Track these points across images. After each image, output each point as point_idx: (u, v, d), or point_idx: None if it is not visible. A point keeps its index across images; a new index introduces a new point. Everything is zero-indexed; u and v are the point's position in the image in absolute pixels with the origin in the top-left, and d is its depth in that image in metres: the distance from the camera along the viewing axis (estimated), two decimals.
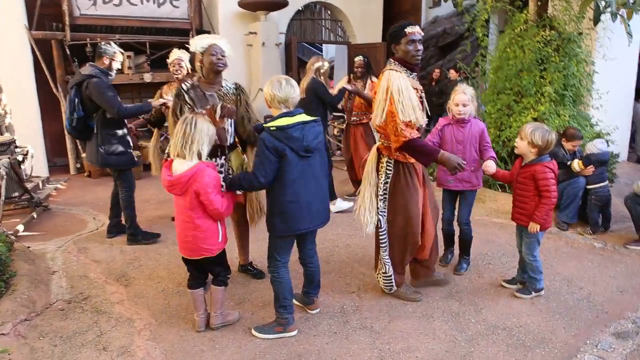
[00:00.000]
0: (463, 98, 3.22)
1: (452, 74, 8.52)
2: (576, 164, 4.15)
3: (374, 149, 3.01)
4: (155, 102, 4.12)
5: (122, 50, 4.17)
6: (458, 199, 3.44)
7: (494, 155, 3.23)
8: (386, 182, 2.89)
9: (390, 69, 2.76)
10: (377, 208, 2.92)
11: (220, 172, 3.09)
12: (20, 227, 4.44)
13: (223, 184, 3.08)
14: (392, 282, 3.00)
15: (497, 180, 2.98)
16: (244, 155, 3.22)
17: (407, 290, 3.07)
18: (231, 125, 3.09)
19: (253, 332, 2.68)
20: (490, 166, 3.09)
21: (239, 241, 3.43)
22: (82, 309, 3.01)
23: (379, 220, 2.93)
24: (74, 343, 2.63)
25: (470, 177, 3.29)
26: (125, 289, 3.29)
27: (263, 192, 2.75)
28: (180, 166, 2.48)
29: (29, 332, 2.70)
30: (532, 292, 3.06)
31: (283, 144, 2.42)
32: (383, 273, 3.01)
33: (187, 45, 3.33)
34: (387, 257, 2.97)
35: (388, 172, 2.88)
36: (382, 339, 2.63)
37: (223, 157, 3.10)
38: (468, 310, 2.91)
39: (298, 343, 2.60)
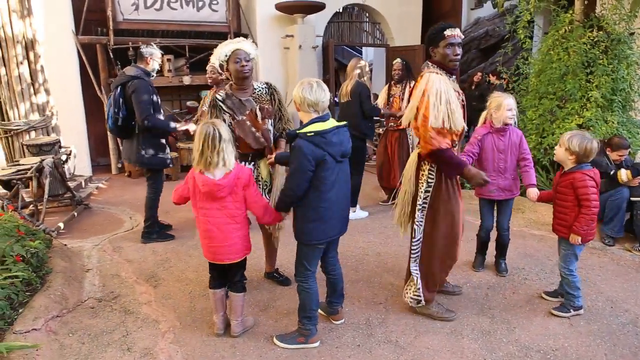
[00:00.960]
0: (511, 102, 3.15)
1: (492, 78, 8.24)
2: (624, 174, 3.88)
3: (414, 155, 2.84)
4: (180, 126, 4.28)
5: (162, 52, 4.29)
6: (496, 208, 3.39)
7: (534, 182, 3.18)
8: (427, 191, 2.71)
9: (430, 72, 2.64)
10: (415, 217, 2.76)
11: None
12: (61, 225, 4.61)
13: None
14: (420, 296, 2.83)
15: (542, 202, 2.88)
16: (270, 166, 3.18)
17: (439, 309, 2.88)
18: (272, 125, 3.09)
19: (275, 340, 2.65)
20: (533, 195, 3.07)
21: (267, 249, 3.41)
22: (112, 308, 3.08)
23: (414, 230, 2.79)
24: (100, 342, 2.68)
25: (511, 186, 3.29)
26: (154, 290, 3.34)
27: None
28: (218, 173, 2.46)
29: (59, 328, 2.77)
30: (571, 310, 2.87)
31: (322, 150, 2.37)
32: (415, 289, 2.83)
33: None
34: (416, 268, 2.82)
35: (430, 180, 2.70)
36: (407, 355, 2.53)
37: (252, 164, 3.10)
38: (500, 329, 2.76)
39: (320, 355, 2.55)
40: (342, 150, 2.47)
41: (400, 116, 4.85)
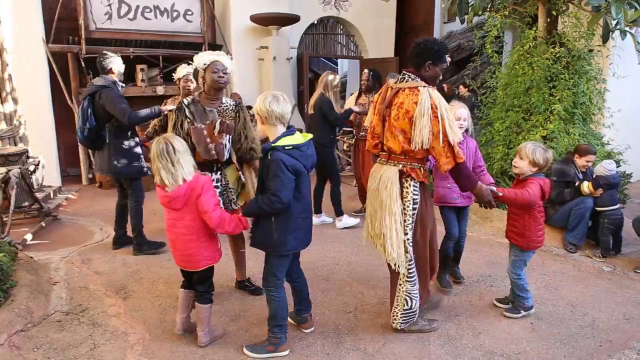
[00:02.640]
0: (463, 112, 3.20)
1: (462, 89, 8.46)
2: (586, 187, 4.04)
3: (391, 174, 2.64)
4: (165, 107, 4.18)
5: (119, 55, 4.25)
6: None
7: (492, 181, 3.26)
8: (414, 209, 2.64)
9: (426, 87, 2.54)
10: (407, 238, 2.64)
11: (217, 187, 3.11)
12: (29, 237, 4.51)
13: (220, 199, 3.11)
14: (414, 317, 2.78)
15: (504, 202, 2.93)
16: (239, 172, 3.24)
17: (425, 321, 2.87)
18: (229, 141, 3.11)
19: (245, 351, 2.65)
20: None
21: (236, 257, 3.43)
22: (79, 321, 3.03)
23: (408, 252, 2.65)
24: (67, 356, 2.63)
25: (469, 193, 3.27)
26: (124, 302, 3.30)
27: None
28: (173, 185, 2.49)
29: (23, 343, 2.71)
30: (522, 311, 3.01)
31: (299, 162, 2.44)
32: (404, 310, 2.73)
33: (190, 62, 3.39)
34: (416, 290, 2.71)
35: (415, 198, 2.63)
36: None
37: (219, 172, 3.13)
38: (465, 335, 2.84)
39: None
40: (313, 162, 2.56)
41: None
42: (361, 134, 5.16)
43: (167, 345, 2.74)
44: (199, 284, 2.70)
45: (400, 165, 2.64)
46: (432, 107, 2.47)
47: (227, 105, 3.12)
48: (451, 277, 3.54)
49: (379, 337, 2.81)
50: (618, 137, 5.21)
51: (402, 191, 2.64)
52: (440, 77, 2.72)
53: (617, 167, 4.45)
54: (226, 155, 3.11)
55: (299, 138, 2.50)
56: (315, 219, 4.90)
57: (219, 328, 2.86)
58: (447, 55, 2.66)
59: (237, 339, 2.80)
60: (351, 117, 5.13)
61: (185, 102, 3.04)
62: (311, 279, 2.90)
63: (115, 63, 4.12)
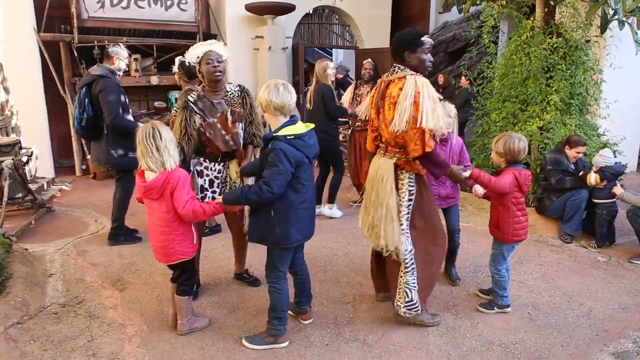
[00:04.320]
0: (448, 121, 3.08)
1: (463, 81, 8.35)
2: (593, 178, 4.02)
3: (387, 166, 2.69)
4: None
5: (129, 52, 4.22)
6: (443, 214, 3.38)
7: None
8: (410, 200, 2.67)
9: (413, 75, 2.57)
10: (402, 229, 2.67)
11: (217, 178, 3.09)
12: (32, 222, 4.47)
13: (217, 189, 3.08)
14: (417, 307, 2.75)
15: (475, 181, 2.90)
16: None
17: (428, 316, 2.84)
18: (242, 129, 3.09)
19: (244, 342, 2.65)
20: (479, 191, 3.06)
21: (237, 251, 3.41)
22: (76, 313, 3.01)
23: (403, 242, 2.67)
24: (64, 348, 2.62)
25: (453, 194, 3.31)
26: (120, 294, 3.29)
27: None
28: (152, 174, 2.49)
29: (20, 335, 2.69)
30: (495, 308, 2.97)
31: (301, 153, 2.40)
32: (406, 301, 2.73)
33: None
34: (414, 281, 2.71)
35: (411, 189, 2.67)
36: (374, 352, 2.58)
37: (222, 164, 3.09)
38: (464, 325, 2.85)
39: (288, 354, 2.57)
40: (315, 152, 2.53)
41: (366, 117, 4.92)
42: (357, 124, 5.14)
43: (166, 336, 2.73)
44: (176, 276, 2.70)
45: (396, 158, 2.67)
46: (415, 93, 2.49)
47: (232, 93, 3.07)
48: (447, 279, 3.45)
49: (378, 328, 2.82)
50: (614, 128, 5.22)
51: (397, 183, 2.68)
52: (430, 61, 2.68)
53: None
54: (242, 143, 3.10)
55: (300, 127, 2.46)
56: (327, 210, 4.92)
57: (203, 319, 2.85)
58: (424, 37, 2.65)
59: (236, 330, 2.80)
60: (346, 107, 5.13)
61: (191, 99, 2.96)
62: (309, 270, 2.88)
63: (121, 55, 4.07)
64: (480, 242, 4.13)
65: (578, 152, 4.14)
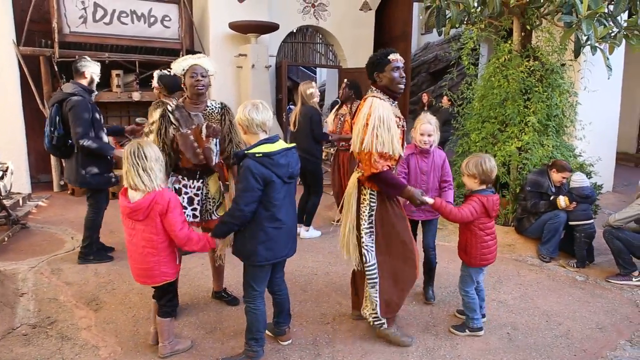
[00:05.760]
0: (428, 128, 3.17)
1: (445, 101, 8.56)
2: (562, 201, 4.12)
3: (353, 180, 2.84)
4: (117, 152, 4.02)
5: (99, 65, 4.16)
6: (419, 228, 3.40)
7: (451, 200, 3.22)
8: (371, 215, 2.74)
9: (374, 96, 2.69)
10: (363, 242, 2.75)
11: (197, 195, 3.05)
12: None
13: (197, 206, 3.04)
14: (382, 321, 2.79)
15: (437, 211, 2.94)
16: (220, 182, 3.19)
17: (397, 332, 2.86)
18: (217, 145, 3.06)
19: None
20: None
21: (214, 268, 3.36)
22: (47, 335, 2.91)
23: (364, 254, 2.75)
24: None
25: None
26: (95, 314, 3.20)
27: None
28: (137, 194, 2.43)
29: None
30: (466, 330, 2.94)
31: (270, 171, 2.38)
32: (372, 311, 2.79)
33: (167, 69, 3.32)
34: (376, 294, 2.75)
35: (372, 204, 2.74)
36: None
37: (200, 181, 3.07)
38: (444, 346, 2.84)
39: None
40: (290, 172, 2.49)
41: (349, 138, 4.96)
42: (341, 144, 5.17)
43: (140, 358, 2.66)
44: (158, 298, 2.64)
45: (360, 174, 2.76)
46: (367, 115, 2.59)
47: (212, 108, 3.07)
48: (423, 297, 3.44)
49: (357, 349, 2.79)
50: (589, 149, 5.35)
51: (359, 197, 2.78)
52: (401, 77, 2.71)
53: (589, 178, 4.56)
54: (215, 160, 3.05)
55: (276, 146, 2.46)
56: (305, 233, 4.87)
57: (185, 341, 2.78)
58: (390, 55, 2.71)
59: (213, 352, 2.74)
60: (331, 128, 5.17)
61: (169, 108, 2.96)
62: (289, 290, 2.84)
63: (90, 68, 4.02)
64: (460, 262, 4.14)
65: (564, 177, 4.22)
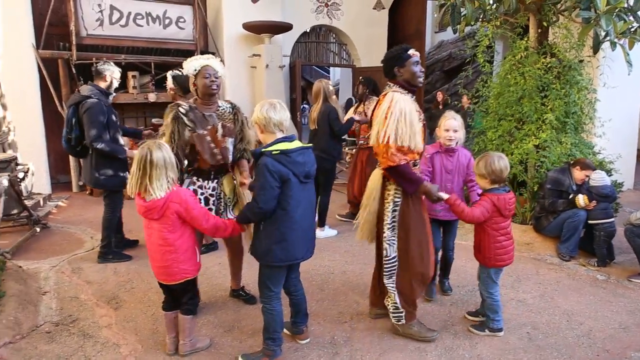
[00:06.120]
0: (453, 124, 3.16)
1: (465, 100, 8.33)
2: (581, 200, 4.06)
3: (377, 175, 2.84)
4: (130, 153, 4.10)
5: (120, 70, 4.23)
6: (442, 228, 3.39)
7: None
8: (395, 210, 2.74)
9: (394, 91, 2.70)
10: (385, 236, 2.78)
11: (212, 195, 3.08)
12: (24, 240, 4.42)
13: (213, 207, 3.07)
14: (401, 314, 2.82)
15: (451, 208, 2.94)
16: (235, 181, 3.21)
17: (421, 329, 2.86)
18: (231, 144, 3.09)
19: (240, 359, 2.61)
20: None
21: (233, 267, 3.38)
22: (69, 332, 2.96)
23: (386, 248, 2.79)
24: None
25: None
26: (115, 312, 3.24)
27: None
28: (148, 196, 2.44)
29: (12, 355, 2.64)
30: (486, 330, 2.91)
31: (287, 169, 2.37)
32: (393, 303, 2.82)
33: (180, 69, 3.33)
34: (392, 285, 2.80)
35: (397, 199, 2.74)
36: None
37: (215, 181, 3.09)
38: (463, 345, 2.82)
39: None
40: (307, 171, 2.48)
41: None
42: (360, 142, 5.17)
43: (160, 356, 2.69)
44: (179, 295, 2.65)
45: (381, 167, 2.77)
46: (386, 109, 2.61)
47: (224, 109, 3.10)
48: (439, 289, 3.50)
49: (376, 347, 2.78)
50: (609, 146, 5.25)
51: (384, 192, 2.78)
52: (421, 71, 2.74)
53: (609, 176, 4.48)
54: (231, 158, 3.09)
55: (293, 145, 2.46)
56: (320, 233, 4.85)
57: (204, 339, 2.80)
58: (410, 51, 2.73)
59: (231, 350, 2.76)
60: (353, 127, 5.15)
61: (182, 110, 2.97)
62: (305, 289, 2.85)
63: (111, 71, 4.08)
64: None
65: (587, 175, 4.15)
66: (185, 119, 2.96)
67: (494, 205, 2.76)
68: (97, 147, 3.92)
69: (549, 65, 4.79)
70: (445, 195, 2.74)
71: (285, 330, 2.83)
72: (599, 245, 4.06)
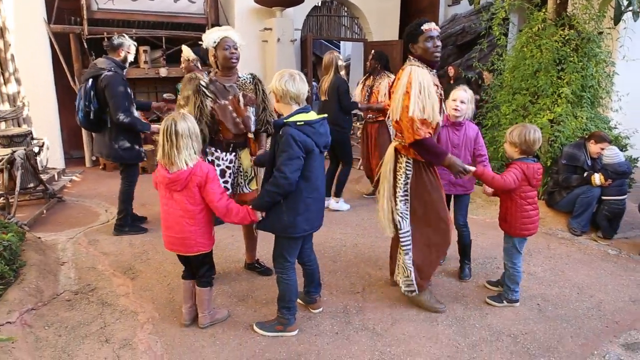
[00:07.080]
0: (462, 95, 3.11)
1: (486, 76, 8.07)
2: (597, 179, 4.01)
3: (391, 149, 2.87)
4: (155, 127, 4.10)
5: (135, 44, 4.21)
6: (451, 203, 3.36)
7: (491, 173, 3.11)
8: (406, 183, 2.77)
9: (412, 65, 2.69)
10: (397, 209, 2.80)
11: (228, 168, 3.10)
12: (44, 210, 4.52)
13: (229, 179, 3.10)
14: (414, 286, 2.85)
15: (478, 179, 2.91)
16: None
17: (431, 299, 2.91)
18: (253, 114, 3.10)
19: (255, 327, 2.68)
20: (488, 190, 3.02)
21: (247, 240, 3.43)
22: (88, 300, 3.05)
23: (399, 222, 2.80)
24: (77, 334, 2.66)
25: (463, 182, 3.17)
26: (132, 282, 3.32)
27: None
28: (173, 167, 2.46)
29: (35, 321, 2.74)
30: (504, 302, 2.95)
31: (311, 139, 2.39)
32: (405, 277, 2.84)
33: (200, 42, 3.31)
34: (409, 261, 2.81)
35: (408, 172, 2.77)
36: (384, 341, 2.60)
37: (233, 154, 3.11)
38: (473, 315, 2.86)
39: (299, 342, 2.59)
40: (326, 141, 2.51)
41: (378, 108, 4.92)
42: (369, 116, 5.14)
43: (177, 324, 2.76)
44: (196, 268, 2.69)
45: (397, 142, 2.82)
46: (407, 83, 2.60)
47: (244, 79, 3.10)
48: (458, 274, 3.39)
49: (387, 317, 2.83)
50: (625, 121, 5.16)
51: (396, 166, 2.82)
52: (435, 46, 2.69)
53: (624, 151, 4.42)
54: (253, 128, 3.11)
55: (312, 115, 2.46)
56: (334, 203, 4.90)
57: (222, 311, 2.86)
58: (424, 25, 2.70)
59: (246, 318, 2.83)
60: (358, 100, 5.11)
61: (203, 83, 2.97)
62: (318, 261, 2.90)
63: (126, 45, 4.06)
64: (489, 234, 4.13)
65: (602, 149, 4.09)
66: (206, 91, 2.96)
67: (523, 174, 2.77)
68: (125, 121, 3.91)
69: (566, 38, 4.68)
70: (471, 168, 2.71)
71: (298, 300, 2.88)
72: (600, 218, 4.07)
